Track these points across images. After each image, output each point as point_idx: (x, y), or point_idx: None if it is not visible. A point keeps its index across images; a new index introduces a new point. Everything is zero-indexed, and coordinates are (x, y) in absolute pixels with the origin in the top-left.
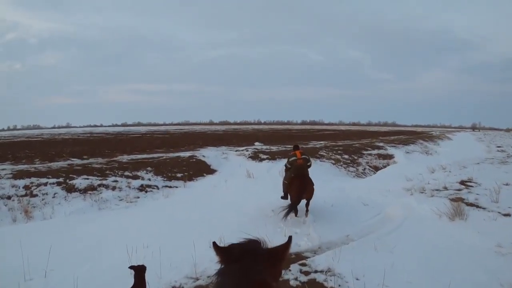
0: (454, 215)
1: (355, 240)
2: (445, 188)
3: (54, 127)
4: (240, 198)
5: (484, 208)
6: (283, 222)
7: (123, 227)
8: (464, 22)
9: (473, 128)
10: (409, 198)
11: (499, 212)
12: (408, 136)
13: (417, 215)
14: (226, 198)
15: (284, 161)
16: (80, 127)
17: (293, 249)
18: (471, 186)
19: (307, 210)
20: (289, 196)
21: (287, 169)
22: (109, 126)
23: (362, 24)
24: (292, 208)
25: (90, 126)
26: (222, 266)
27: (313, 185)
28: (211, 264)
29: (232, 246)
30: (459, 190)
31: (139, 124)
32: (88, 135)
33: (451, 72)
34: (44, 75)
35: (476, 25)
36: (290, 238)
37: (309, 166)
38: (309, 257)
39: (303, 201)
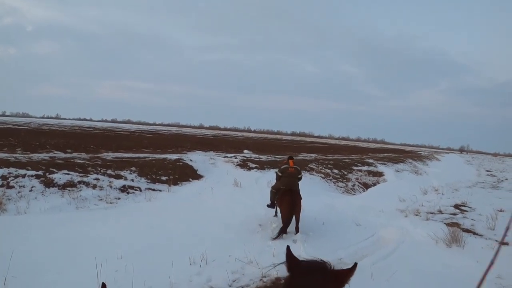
0: (451, 241)
1: (348, 263)
2: (440, 212)
3: (43, 117)
4: (226, 209)
5: (481, 235)
6: (271, 240)
7: (99, 232)
8: (459, 45)
9: (461, 150)
10: (403, 221)
11: (496, 240)
12: (397, 155)
13: (413, 240)
14: (212, 207)
15: (273, 171)
16: (69, 119)
17: (283, 272)
18: (466, 211)
19: (297, 227)
20: (279, 211)
21: (277, 177)
22: (98, 121)
23: (357, 40)
24: (285, 228)
25: (80, 119)
26: (291, 281)
27: (301, 199)
28: (189, 287)
29: (302, 261)
30: (454, 214)
31: (128, 122)
32: (76, 128)
33: (442, 94)
34: (38, 64)
35: (471, 50)
36: (355, 264)
37: (300, 178)
38: None
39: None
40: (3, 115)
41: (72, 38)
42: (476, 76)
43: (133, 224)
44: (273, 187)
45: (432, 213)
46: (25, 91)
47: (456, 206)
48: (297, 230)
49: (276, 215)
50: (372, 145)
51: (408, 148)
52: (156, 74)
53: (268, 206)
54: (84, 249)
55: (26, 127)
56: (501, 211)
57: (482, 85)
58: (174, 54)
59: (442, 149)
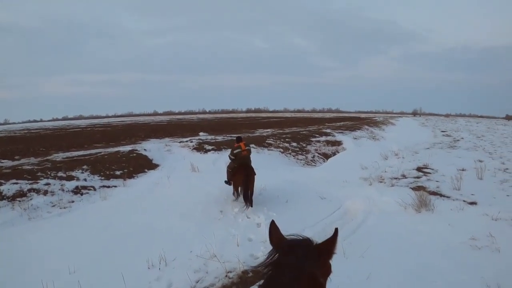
0: (420, 206)
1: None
2: (404, 176)
3: None
4: (185, 198)
5: (448, 197)
6: (234, 227)
7: (50, 244)
8: (407, 14)
9: (414, 113)
10: (368, 189)
11: (464, 201)
12: (354, 122)
13: (381, 209)
14: (169, 197)
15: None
16: (19, 123)
17: (249, 263)
18: (429, 173)
19: (251, 200)
20: (234, 188)
21: (231, 160)
22: (49, 120)
23: (308, 13)
24: (247, 197)
25: (30, 121)
26: (274, 258)
27: (255, 174)
28: None
29: (286, 239)
30: (418, 177)
31: (80, 117)
32: (25, 131)
33: (393, 61)
34: None
35: (419, 17)
36: (336, 230)
37: (250, 154)
38: None
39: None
40: None
41: (13, 35)
42: (424, 42)
43: (88, 229)
44: (228, 167)
45: (396, 178)
46: None
47: (419, 169)
48: (251, 203)
49: (236, 198)
50: (328, 115)
51: (363, 115)
52: (105, 64)
53: (225, 182)
54: (34, 267)
55: None
56: (463, 170)
57: (430, 50)
58: (122, 41)
59: (396, 113)
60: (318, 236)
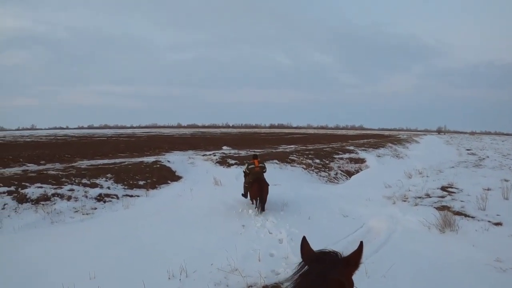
0: (444, 226)
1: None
2: (428, 195)
3: (18, 129)
4: (207, 211)
5: (473, 217)
6: (256, 242)
7: (72, 249)
8: (430, 29)
9: (439, 131)
10: (392, 208)
11: (489, 221)
12: (377, 140)
13: (405, 228)
14: (192, 210)
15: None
16: (45, 129)
17: (270, 279)
18: (454, 193)
19: (263, 207)
20: (249, 196)
21: (245, 175)
22: (75, 128)
23: (330, 29)
24: (261, 204)
25: (56, 128)
26: (304, 268)
27: (268, 185)
28: None
29: (315, 251)
30: (442, 197)
31: (105, 127)
32: (52, 137)
33: (416, 77)
34: (8, 75)
35: (442, 33)
36: (361, 243)
37: (265, 171)
38: None
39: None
40: None
41: (42, 46)
42: (448, 58)
43: (109, 236)
44: (245, 182)
45: (420, 197)
46: None
47: (443, 188)
48: (262, 209)
49: (254, 204)
50: (351, 132)
51: (387, 133)
52: (131, 76)
53: (242, 195)
54: (54, 270)
55: (0, 141)
56: (488, 189)
57: (454, 66)
58: (148, 55)
59: (420, 131)
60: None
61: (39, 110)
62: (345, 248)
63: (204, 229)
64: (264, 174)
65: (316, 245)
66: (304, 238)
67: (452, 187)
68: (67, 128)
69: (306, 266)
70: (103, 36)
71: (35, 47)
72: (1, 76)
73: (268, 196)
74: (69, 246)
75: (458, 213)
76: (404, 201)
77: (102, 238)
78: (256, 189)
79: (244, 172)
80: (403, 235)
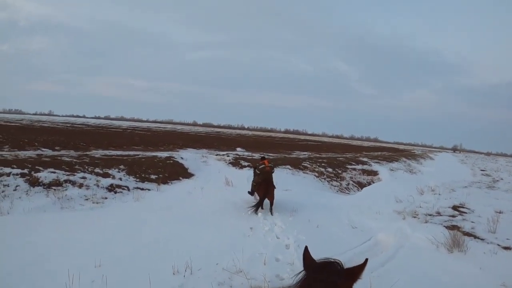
0: (453, 246)
1: None
2: (438, 213)
3: (36, 114)
4: (217, 210)
5: (482, 239)
6: (263, 246)
7: (80, 236)
8: (452, 45)
9: (454, 149)
10: (401, 223)
11: (498, 245)
12: (391, 153)
13: (412, 244)
14: (201, 208)
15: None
16: (62, 116)
17: (274, 283)
18: (465, 213)
19: (271, 208)
20: (256, 195)
21: (256, 174)
22: (91, 117)
23: (351, 38)
24: (260, 204)
25: (73, 116)
26: (304, 277)
27: (275, 188)
28: None
29: (317, 260)
30: (453, 216)
31: (122, 119)
32: (68, 125)
33: (435, 93)
34: (31, 60)
35: (464, 50)
36: (366, 260)
37: (273, 172)
38: None
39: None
40: None
41: (65, 34)
42: (468, 76)
43: (118, 227)
44: (254, 181)
45: (430, 215)
46: (18, 87)
47: (455, 208)
48: (271, 212)
49: (259, 206)
50: (366, 144)
51: (402, 147)
52: (149, 71)
53: (248, 192)
54: (62, 255)
55: (17, 124)
56: (500, 212)
57: (474, 85)
58: (167, 51)
59: (435, 148)
60: (346, 264)
61: (57, 97)
62: (350, 260)
63: (212, 228)
64: (273, 174)
65: (322, 254)
66: (306, 248)
67: (463, 207)
68: (83, 116)
69: (310, 275)
70: (123, 29)
71: (58, 35)
72: (24, 61)
73: (277, 200)
74: (77, 233)
75: (468, 234)
76: (414, 217)
77: (110, 228)
78: (264, 190)
79: (254, 172)
80: (410, 251)
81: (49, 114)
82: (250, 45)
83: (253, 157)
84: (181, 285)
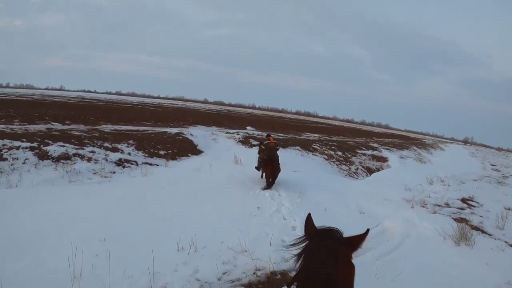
0: (460, 239)
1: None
2: (447, 205)
3: (47, 89)
4: (224, 188)
5: (490, 235)
6: (269, 226)
7: (86, 209)
8: (470, 37)
9: (465, 142)
10: (409, 212)
11: (506, 242)
12: (402, 141)
13: (419, 234)
14: (209, 185)
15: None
16: (74, 91)
17: (279, 265)
18: (473, 206)
19: (271, 184)
20: (264, 174)
21: (261, 150)
22: (102, 93)
23: (367, 23)
24: (271, 185)
25: (84, 91)
26: (306, 243)
27: (280, 165)
28: (173, 279)
29: (319, 228)
30: (462, 209)
31: (133, 94)
32: (79, 99)
33: (450, 84)
34: (43, 35)
35: (482, 42)
36: (367, 230)
37: (278, 149)
38: None
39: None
40: (7, 86)
41: (78, 10)
42: (484, 68)
43: (124, 201)
44: (259, 157)
45: (439, 205)
46: (30, 62)
47: (464, 200)
48: (270, 186)
49: (262, 175)
50: (377, 129)
51: (412, 135)
52: (162, 47)
53: (255, 168)
54: (67, 228)
55: (28, 99)
56: (509, 209)
57: (490, 78)
58: (181, 28)
59: (446, 138)
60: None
61: (69, 72)
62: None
63: (219, 206)
64: (277, 151)
65: None
66: (309, 215)
67: (472, 200)
68: (95, 92)
69: (310, 241)
70: (137, 4)
71: (70, 10)
72: (36, 37)
73: (285, 181)
74: (83, 206)
75: (476, 228)
76: (423, 206)
77: (117, 203)
78: (270, 170)
79: (259, 147)
80: (417, 241)
81: (60, 89)
82: (266, 25)
83: (263, 136)
84: (185, 262)
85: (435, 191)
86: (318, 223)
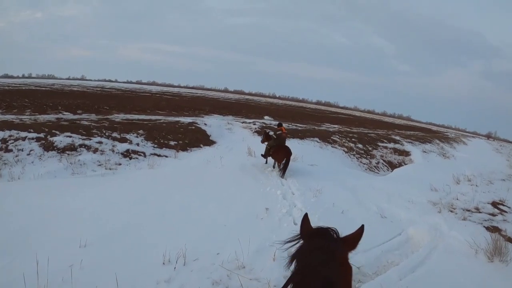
0: (493, 253)
1: (369, 275)
2: (477, 210)
3: (68, 78)
4: (233, 183)
5: None
6: (276, 233)
7: (78, 205)
8: (494, 28)
9: (488, 136)
10: (437, 217)
11: None
12: (425, 134)
13: (448, 246)
14: (217, 180)
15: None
16: (94, 80)
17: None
18: (505, 212)
19: (284, 171)
20: (274, 158)
21: (272, 139)
22: (123, 82)
23: (391, 13)
24: (285, 169)
25: (105, 80)
26: (302, 243)
27: (291, 153)
28: None
29: (315, 227)
30: (493, 215)
31: (153, 84)
32: (98, 89)
33: (473, 76)
34: (64, 26)
35: (507, 33)
36: (362, 226)
37: (289, 138)
38: None
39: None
40: (29, 77)
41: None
42: (510, 60)
43: (121, 197)
44: (268, 145)
45: (468, 210)
46: (52, 53)
47: (494, 204)
48: (283, 173)
49: (266, 162)
50: (398, 121)
51: (434, 128)
52: (183, 36)
53: (261, 155)
54: (53, 228)
55: (48, 88)
56: None
57: None
58: (202, 17)
59: (469, 132)
60: (370, 265)
61: (90, 62)
62: (377, 258)
63: (223, 205)
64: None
65: None
66: (306, 215)
67: (503, 205)
68: (116, 81)
69: (306, 241)
70: None
71: (92, 1)
72: (57, 28)
73: (301, 177)
74: (77, 201)
75: (510, 239)
76: (451, 211)
77: (113, 199)
78: (283, 155)
79: (271, 136)
80: (445, 255)
81: (81, 79)
82: (288, 14)
83: (275, 126)
84: (169, 279)
85: (462, 192)
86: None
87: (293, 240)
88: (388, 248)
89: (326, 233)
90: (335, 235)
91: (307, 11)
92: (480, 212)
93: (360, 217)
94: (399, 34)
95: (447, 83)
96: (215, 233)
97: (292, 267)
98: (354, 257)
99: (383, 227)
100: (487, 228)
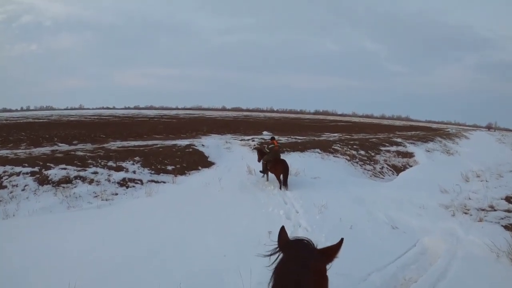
0: None
1: None
2: (492, 208)
3: (66, 109)
4: (232, 206)
5: None
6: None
7: (72, 242)
8: (484, 19)
9: (489, 127)
10: (451, 222)
11: None
12: (425, 133)
13: (467, 252)
14: (216, 204)
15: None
16: (92, 109)
17: None
18: None
19: (286, 183)
20: (267, 176)
21: (266, 153)
22: (120, 108)
23: (379, 16)
24: (285, 181)
25: (103, 108)
26: (281, 256)
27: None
28: None
29: (291, 239)
30: (509, 211)
31: (151, 108)
32: (96, 117)
33: (467, 69)
34: (59, 58)
35: (497, 23)
36: (341, 240)
37: (282, 151)
38: None
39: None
40: (27, 109)
41: (91, 30)
42: (502, 50)
43: (114, 232)
44: (264, 160)
45: (483, 209)
46: (48, 85)
47: (508, 199)
48: (286, 186)
49: (267, 179)
50: (397, 123)
51: (434, 125)
52: (177, 59)
53: (260, 171)
54: (48, 267)
55: (45, 120)
56: None
57: (509, 59)
58: (194, 38)
59: (469, 126)
60: (386, 284)
61: (88, 91)
62: (393, 276)
63: (222, 231)
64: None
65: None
66: (283, 228)
67: None
68: (113, 108)
69: (282, 253)
70: (150, 21)
71: (84, 31)
72: (52, 59)
73: (304, 193)
74: (70, 241)
75: None
76: (465, 213)
77: (108, 236)
78: (280, 169)
79: (264, 150)
80: (466, 263)
81: (79, 108)
82: (278, 27)
83: (279, 141)
84: None
85: (473, 190)
86: (344, 248)
87: (274, 253)
88: (404, 262)
89: (300, 244)
90: (310, 246)
91: (295, 22)
92: (495, 210)
93: (370, 231)
94: (389, 35)
95: (442, 79)
96: (213, 266)
97: (271, 277)
98: (369, 278)
99: (396, 240)
100: (505, 227)
